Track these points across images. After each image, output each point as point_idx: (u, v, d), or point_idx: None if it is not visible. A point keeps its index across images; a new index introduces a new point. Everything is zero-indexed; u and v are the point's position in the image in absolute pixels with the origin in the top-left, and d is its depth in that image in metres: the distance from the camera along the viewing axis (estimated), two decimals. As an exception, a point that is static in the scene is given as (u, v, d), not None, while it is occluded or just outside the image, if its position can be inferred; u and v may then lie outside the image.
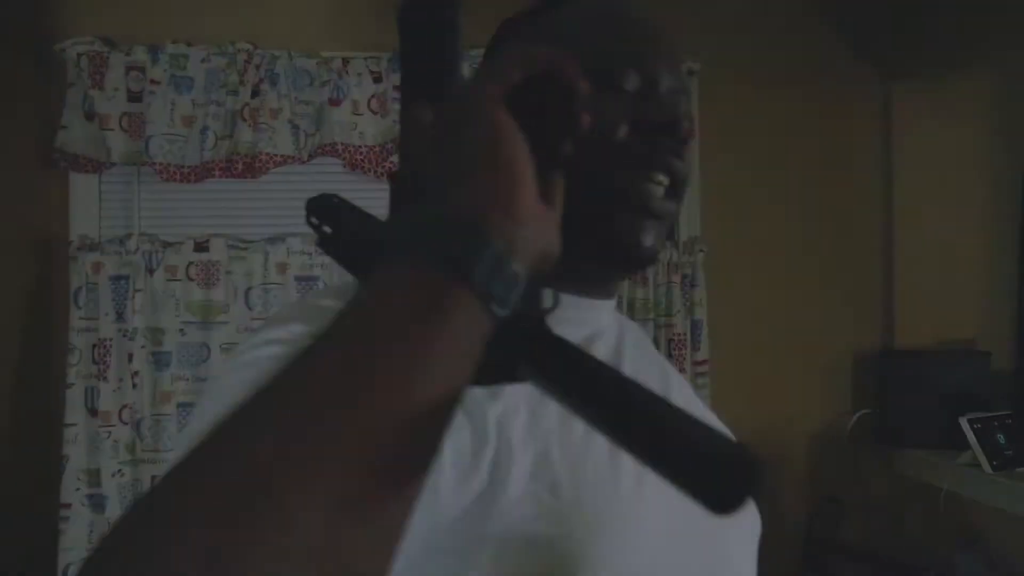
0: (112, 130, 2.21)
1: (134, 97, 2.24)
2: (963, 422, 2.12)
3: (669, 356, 2.32)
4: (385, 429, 0.32)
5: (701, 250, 2.43)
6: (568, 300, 0.52)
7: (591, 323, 0.67)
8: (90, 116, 2.22)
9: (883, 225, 2.58)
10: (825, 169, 2.56)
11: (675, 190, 0.63)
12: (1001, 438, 2.13)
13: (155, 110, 2.22)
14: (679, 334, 2.40)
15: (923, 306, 2.53)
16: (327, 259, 2.20)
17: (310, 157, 2.31)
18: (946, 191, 2.52)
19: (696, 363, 2.42)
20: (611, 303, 0.70)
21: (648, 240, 0.62)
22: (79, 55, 2.21)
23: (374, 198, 2.18)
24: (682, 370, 2.34)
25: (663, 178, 0.62)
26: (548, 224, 0.41)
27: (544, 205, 0.41)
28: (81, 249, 2.21)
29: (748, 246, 2.49)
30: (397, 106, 2.26)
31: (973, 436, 2.10)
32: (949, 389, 2.34)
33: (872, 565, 2.15)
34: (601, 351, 0.67)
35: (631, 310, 2.39)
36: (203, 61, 2.26)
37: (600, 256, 0.63)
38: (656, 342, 2.34)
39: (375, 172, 2.32)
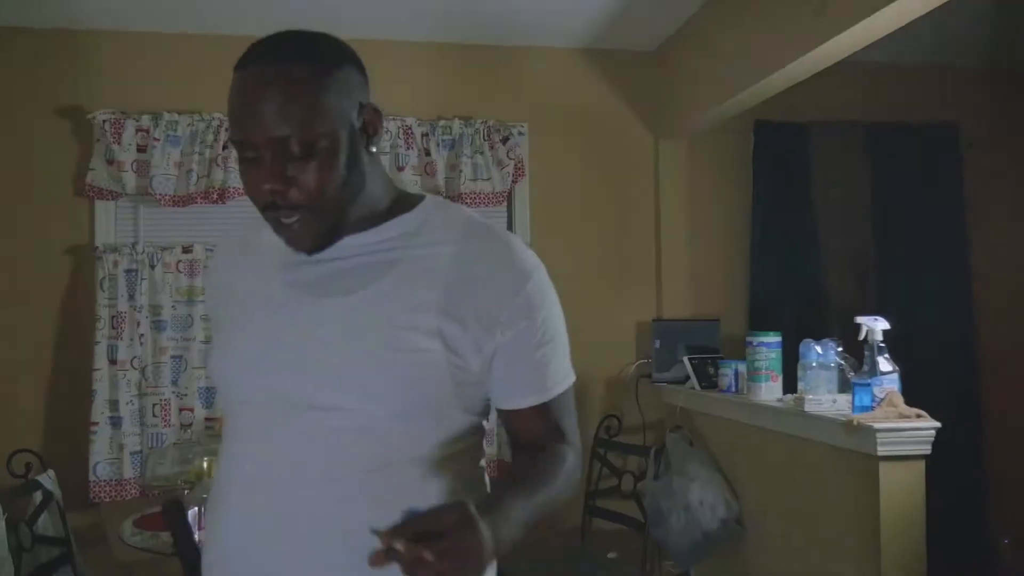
0: (126, 171, 3.28)
1: (141, 149, 3.30)
2: (685, 359, 3.34)
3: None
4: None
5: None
6: None
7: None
8: (110, 162, 3.27)
9: (655, 237, 3.80)
10: (618, 199, 3.77)
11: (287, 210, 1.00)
12: (711, 370, 3.35)
13: (156, 158, 3.30)
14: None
15: (679, 292, 3.77)
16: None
17: (261, 189, 3.40)
18: (696, 215, 3.77)
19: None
20: None
21: (284, 236, 1.02)
22: (104, 120, 3.27)
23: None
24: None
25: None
26: None
27: None
28: (104, 252, 3.27)
29: (563, 250, 3.66)
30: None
31: (691, 368, 3.32)
32: (692, 344, 3.56)
33: (625, 449, 3.35)
34: None
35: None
36: (188, 125, 3.33)
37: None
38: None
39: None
